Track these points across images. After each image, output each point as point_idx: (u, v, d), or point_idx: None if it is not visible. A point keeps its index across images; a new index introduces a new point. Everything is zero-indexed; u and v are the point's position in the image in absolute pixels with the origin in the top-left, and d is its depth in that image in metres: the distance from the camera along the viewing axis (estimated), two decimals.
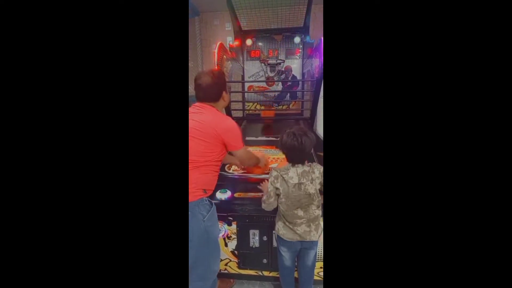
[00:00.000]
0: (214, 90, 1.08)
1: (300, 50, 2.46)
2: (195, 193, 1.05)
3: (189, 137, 1.00)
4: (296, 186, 1.07)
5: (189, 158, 1.00)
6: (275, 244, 1.39)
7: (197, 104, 1.11)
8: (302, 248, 1.16)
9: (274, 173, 1.10)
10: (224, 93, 1.12)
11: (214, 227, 1.13)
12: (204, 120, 1.03)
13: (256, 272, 1.47)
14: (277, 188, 1.10)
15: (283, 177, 1.08)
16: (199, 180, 1.05)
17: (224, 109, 1.17)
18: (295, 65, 2.49)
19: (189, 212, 1.02)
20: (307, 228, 1.10)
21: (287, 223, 1.12)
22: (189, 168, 1.01)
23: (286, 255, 1.20)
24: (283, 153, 1.12)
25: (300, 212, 1.09)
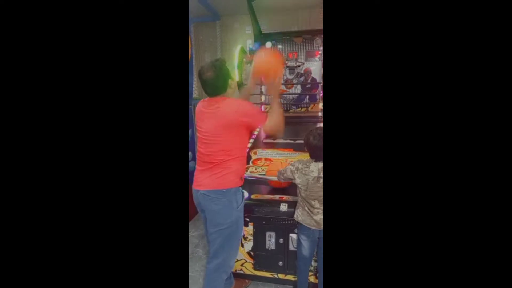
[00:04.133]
0: (220, 82, 1.06)
1: (320, 52, 2.44)
2: (234, 180, 1.11)
3: (224, 133, 1.05)
4: (315, 179, 1.14)
5: (229, 150, 1.07)
6: (291, 247, 1.39)
7: (207, 99, 1.10)
8: (320, 238, 1.22)
9: (296, 165, 1.21)
10: (230, 81, 1.09)
11: (242, 218, 1.18)
12: (226, 114, 1.04)
13: (271, 274, 1.47)
14: (293, 178, 1.21)
15: (304, 171, 1.17)
16: (239, 168, 1.12)
17: (233, 95, 1.16)
18: (314, 67, 2.47)
19: (225, 199, 1.08)
20: (322, 216, 1.16)
21: (306, 209, 1.20)
22: (230, 159, 1.08)
23: (305, 244, 1.24)
24: (308, 151, 1.21)
25: (317, 204, 1.17)
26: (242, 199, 1.16)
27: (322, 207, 1.16)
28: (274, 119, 1.09)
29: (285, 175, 1.24)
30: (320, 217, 1.17)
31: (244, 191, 1.44)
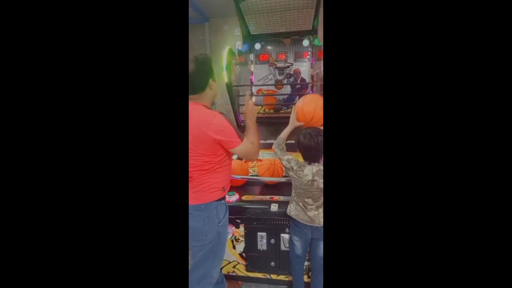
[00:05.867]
0: (199, 78, 0.96)
1: (309, 53, 2.46)
2: (214, 193, 1.01)
3: (198, 145, 0.95)
4: (309, 182, 1.12)
5: (206, 162, 0.97)
6: (282, 247, 1.39)
7: None
8: (313, 238, 1.21)
9: (293, 164, 1.16)
10: (211, 81, 0.99)
11: (225, 232, 1.11)
12: (198, 125, 0.92)
13: (263, 275, 1.47)
14: (288, 168, 1.17)
15: (298, 174, 1.14)
16: (217, 179, 1.01)
17: (213, 100, 1.06)
18: (304, 67, 2.49)
19: (206, 214, 1.00)
20: (316, 212, 1.17)
21: (300, 204, 1.19)
22: (209, 172, 0.98)
23: (298, 244, 1.24)
24: (300, 152, 1.17)
25: (310, 201, 1.16)
26: (225, 214, 1.07)
27: (315, 204, 1.16)
28: (249, 144, 0.98)
29: (282, 157, 1.19)
30: (314, 213, 1.16)
31: (234, 192, 1.44)
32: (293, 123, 1.24)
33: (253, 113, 1.05)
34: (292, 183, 1.20)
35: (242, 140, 0.97)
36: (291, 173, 1.17)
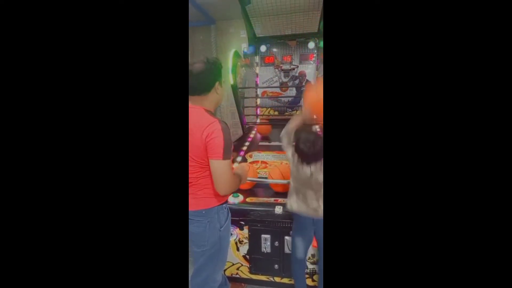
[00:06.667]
0: (206, 77, 0.96)
1: (314, 55, 2.46)
2: (216, 198, 1.00)
3: (195, 147, 0.94)
4: (308, 177, 1.16)
5: (206, 166, 0.96)
6: (286, 250, 1.38)
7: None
8: (318, 239, 1.26)
9: (297, 157, 1.19)
10: (217, 84, 0.99)
11: (228, 236, 1.11)
12: (195, 127, 0.92)
13: (267, 278, 1.46)
14: (290, 159, 1.20)
15: (298, 170, 1.17)
16: None
17: (216, 106, 1.06)
18: (309, 70, 2.49)
19: (206, 220, 0.99)
20: (317, 203, 1.17)
21: (300, 195, 1.19)
22: (208, 176, 0.97)
23: (300, 245, 1.25)
24: (297, 154, 1.18)
25: (311, 192, 1.17)
26: (227, 218, 1.06)
27: (316, 196, 1.16)
28: (229, 169, 0.94)
29: (288, 148, 1.21)
30: (315, 203, 1.16)
31: (239, 194, 1.45)
32: (304, 116, 1.26)
33: (243, 174, 1.08)
34: (291, 175, 1.22)
35: (224, 159, 0.91)
36: (291, 166, 1.20)
